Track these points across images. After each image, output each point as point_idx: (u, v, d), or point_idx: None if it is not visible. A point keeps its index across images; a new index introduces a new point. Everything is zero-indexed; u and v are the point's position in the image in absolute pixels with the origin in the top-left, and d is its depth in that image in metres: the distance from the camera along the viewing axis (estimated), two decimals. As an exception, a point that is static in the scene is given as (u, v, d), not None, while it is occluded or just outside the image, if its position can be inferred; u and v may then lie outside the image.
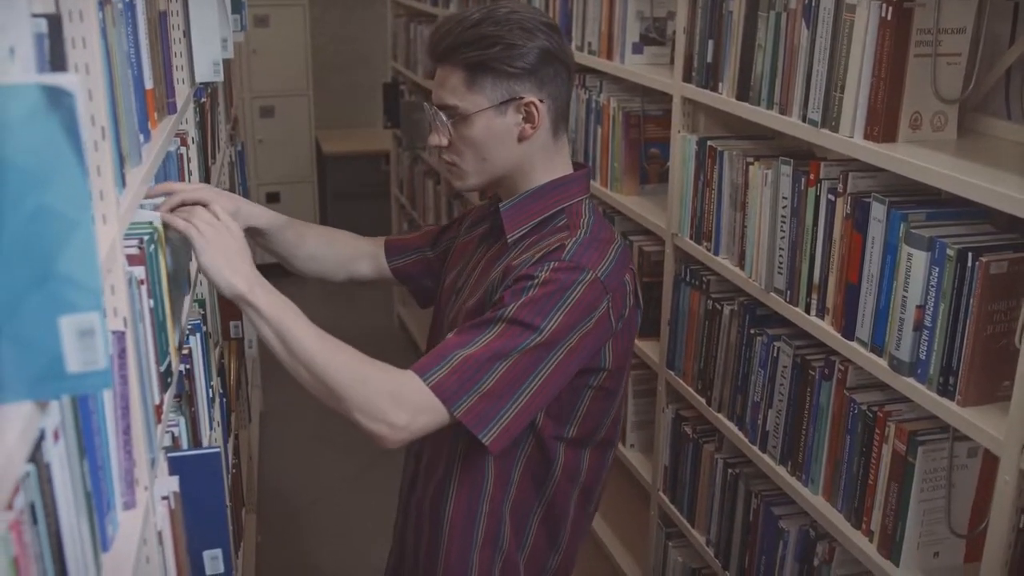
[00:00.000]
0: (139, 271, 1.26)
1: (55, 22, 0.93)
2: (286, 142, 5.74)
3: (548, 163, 1.53)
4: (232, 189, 3.32)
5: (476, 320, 1.42)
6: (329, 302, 5.10)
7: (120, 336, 1.12)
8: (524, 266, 1.44)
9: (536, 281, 1.40)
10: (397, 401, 1.36)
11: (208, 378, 2.03)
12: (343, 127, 6.16)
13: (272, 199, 5.74)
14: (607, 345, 1.48)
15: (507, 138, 1.49)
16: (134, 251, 1.27)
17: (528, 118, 1.48)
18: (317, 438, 4.02)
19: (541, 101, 1.48)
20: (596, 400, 1.52)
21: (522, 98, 1.47)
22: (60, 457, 0.87)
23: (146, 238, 1.34)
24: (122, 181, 1.25)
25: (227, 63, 3.44)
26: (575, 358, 1.42)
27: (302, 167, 5.81)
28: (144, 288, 1.28)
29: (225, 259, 1.43)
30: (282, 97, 5.67)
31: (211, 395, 2.10)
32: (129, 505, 1.16)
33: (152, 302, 1.33)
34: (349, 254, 1.83)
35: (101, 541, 1.04)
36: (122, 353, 1.13)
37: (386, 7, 5.34)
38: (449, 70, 1.48)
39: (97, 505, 1.02)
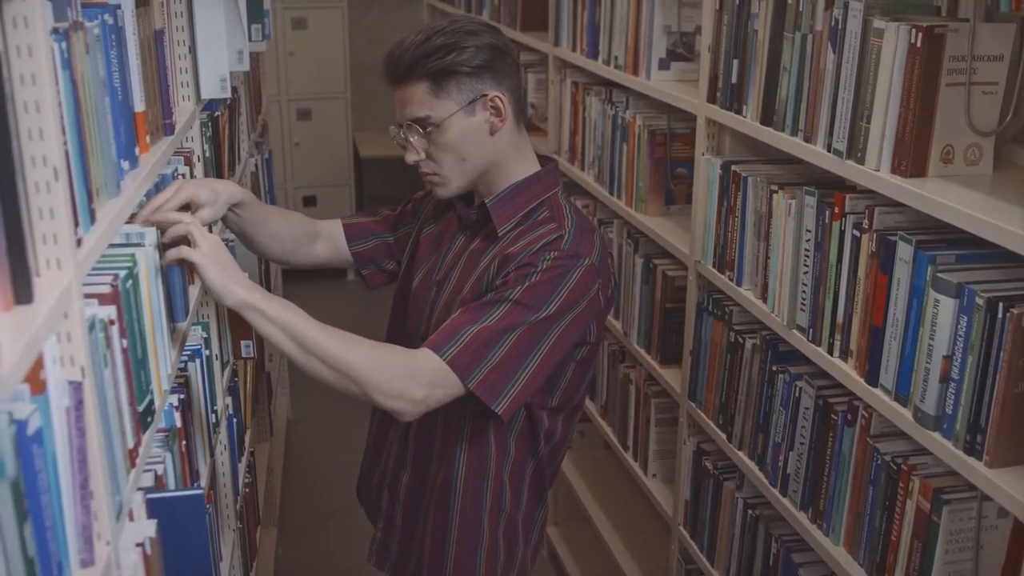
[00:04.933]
0: (108, 311, 1.19)
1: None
2: (323, 145, 5.69)
3: (518, 155, 1.63)
4: (257, 196, 3.26)
5: (482, 300, 1.53)
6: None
7: (77, 387, 1.06)
8: (526, 255, 1.54)
9: (539, 268, 1.52)
10: (415, 379, 1.48)
11: (211, 402, 1.98)
12: (381, 129, 6.08)
13: (309, 202, 5.68)
14: (593, 321, 1.60)
15: (480, 135, 1.58)
16: (105, 289, 1.21)
17: (496, 112, 1.57)
18: (345, 447, 3.96)
19: (503, 95, 1.56)
20: (577, 371, 1.66)
21: (486, 94, 1.56)
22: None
23: (122, 274, 1.28)
24: (90, 217, 1.20)
25: (253, 71, 3.40)
26: (571, 334, 1.56)
27: (339, 170, 5.76)
28: (116, 328, 1.22)
29: (224, 272, 1.47)
30: (319, 100, 5.62)
31: (215, 420, 2.05)
32: (87, 562, 1.10)
33: (127, 341, 1.27)
34: (305, 234, 1.87)
35: (49, 605, 0.98)
36: (79, 404, 1.07)
37: (422, 8, 5.28)
38: (412, 86, 1.55)
39: (44, 568, 0.96)
